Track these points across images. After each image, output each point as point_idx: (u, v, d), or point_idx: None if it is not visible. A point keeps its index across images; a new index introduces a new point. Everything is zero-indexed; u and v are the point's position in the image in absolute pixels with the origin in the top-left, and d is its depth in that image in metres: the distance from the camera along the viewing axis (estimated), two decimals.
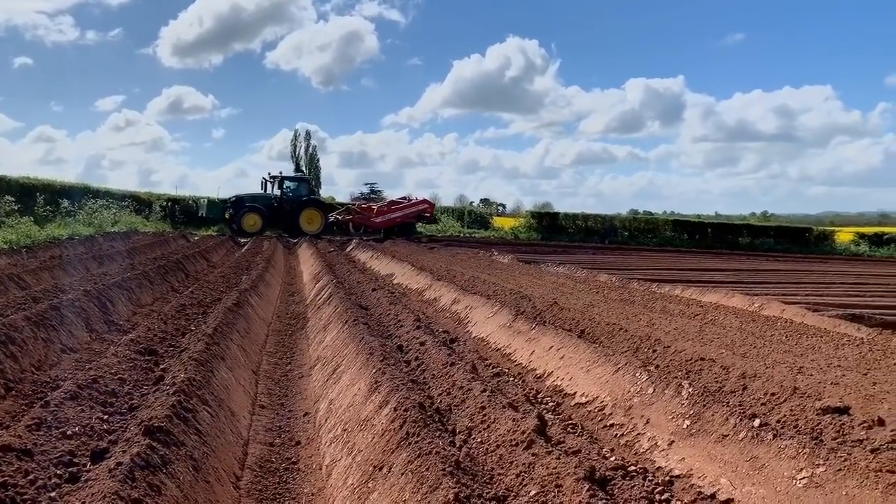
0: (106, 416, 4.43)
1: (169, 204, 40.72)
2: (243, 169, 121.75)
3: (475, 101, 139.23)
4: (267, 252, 19.56)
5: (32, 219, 22.86)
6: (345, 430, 4.78)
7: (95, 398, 4.64)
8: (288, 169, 69.52)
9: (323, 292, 11.23)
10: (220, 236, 28.40)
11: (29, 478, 3.30)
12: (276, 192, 31.99)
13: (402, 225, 33.35)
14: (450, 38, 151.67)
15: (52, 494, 3.21)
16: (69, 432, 3.98)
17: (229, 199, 32.06)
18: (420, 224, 35.43)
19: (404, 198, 36.42)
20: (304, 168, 72.32)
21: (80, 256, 14.77)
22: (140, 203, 37.62)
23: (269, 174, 32.60)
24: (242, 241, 26.77)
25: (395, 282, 14.75)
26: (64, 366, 6.28)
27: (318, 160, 73.27)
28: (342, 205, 37.73)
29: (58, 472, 3.46)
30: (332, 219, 32.65)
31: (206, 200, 33.89)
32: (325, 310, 9.67)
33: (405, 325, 7.90)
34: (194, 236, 28.76)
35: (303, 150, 72.93)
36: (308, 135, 74.06)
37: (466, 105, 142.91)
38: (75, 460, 3.62)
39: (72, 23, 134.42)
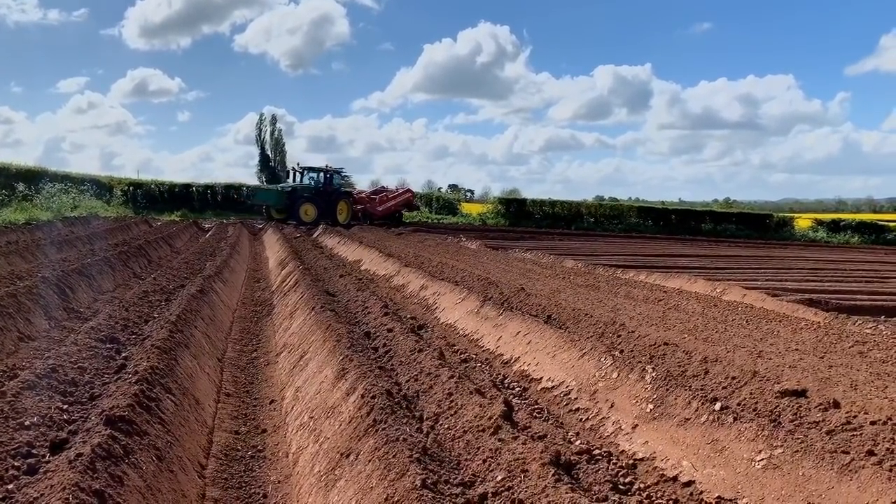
0: (66, 406, 4.33)
1: (131, 188, 39.93)
2: (209, 153, 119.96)
3: (446, 87, 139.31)
4: (232, 238, 19.29)
5: None
6: (311, 417, 4.76)
7: (55, 387, 4.53)
8: (254, 153, 68.71)
9: (289, 279, 11.12)
10: (184, 221, 27.95)
11: None
12: (307, 181, 32.50)
13: (393, 213, 34.96)
14: (422, 21, 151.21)
15: (10, 487, 3.13)
16: (27, 423, 3.88)
17: (284, 188, 32.43)
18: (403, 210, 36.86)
19: (383, 187, 39.04)
20: (269, 152, 71.46)
21: (37, 242, 14.38)
22: (101, 187, 36.81)
23: (298, 164, 33.30)
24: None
25: (362, 268, 14.68)
26: (21, 354, 6.12)
27: (283, 144, 72.47)
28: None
29: (15, 463, 3.37)
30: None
31: (274, 190, 32.94)
32: (291, 296, 9.58)
33: (373, 311, 7.87)
34: (157, 221, 28.26)
35: (268, 133, 72.04)
36: (273, 118, 73.16)
37: (437, 90, 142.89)
38: (34, 451, 3.54)
39: (35, 3, 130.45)
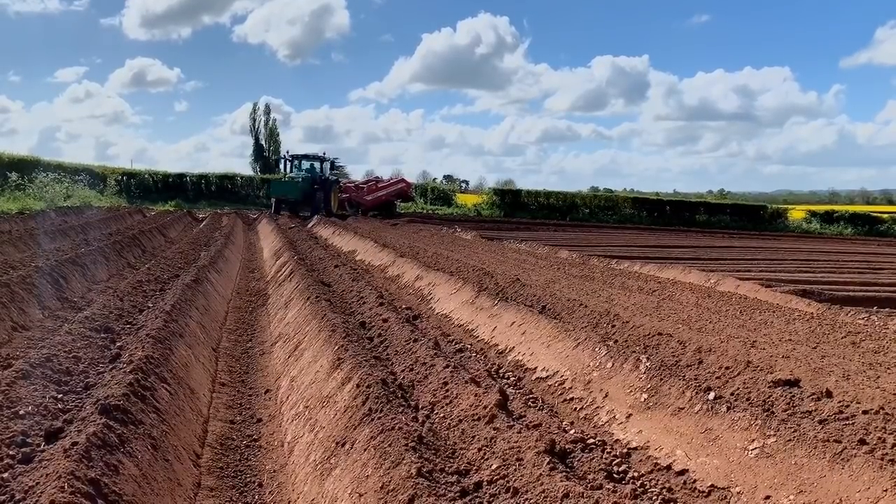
0: (60, 396, 4.32)
1: (124, 178, 39.79)
2: (204, 143, 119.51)
3: (444, 78, 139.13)
4: (226, 228, 19.24)
5: None
6: (307, 406, 4.77)
7: (49, 377, 4.52)
8: (248, 143, 68.51)
9: (284, 269, 11.11)
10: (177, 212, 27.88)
11: None
12: (299, 172, 31.94)
13: (385, 203, 34.15)
14: (422, 11, 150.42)
15: (5, 475, 3.12)
16: (22, 412, 3.87)
17: (294, 178, 31.94)
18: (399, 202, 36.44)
19: (377, 177, 38.39)
20: (263, 142, 71.30)
21: (30, 231, 14.31)
22: (94, 177, 36.61)
23: (288, 152, 32.62)
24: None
25: (357, 258, 14.67)
26: (15, 344, 6.10)
27: (278, 134, 72.33)
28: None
29: (10, 452, 3.36)
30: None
31: (291, 182, 31.72)
32: (286, 286, 9.57)
33: (368, 301, 7.87)
34: (151, 211, 28.16)
35: (262, 124, 71.89)
36: (267, 108, 73.00)
37: (435, 81, 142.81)
38: (29, 440, 3.53)
39: None
